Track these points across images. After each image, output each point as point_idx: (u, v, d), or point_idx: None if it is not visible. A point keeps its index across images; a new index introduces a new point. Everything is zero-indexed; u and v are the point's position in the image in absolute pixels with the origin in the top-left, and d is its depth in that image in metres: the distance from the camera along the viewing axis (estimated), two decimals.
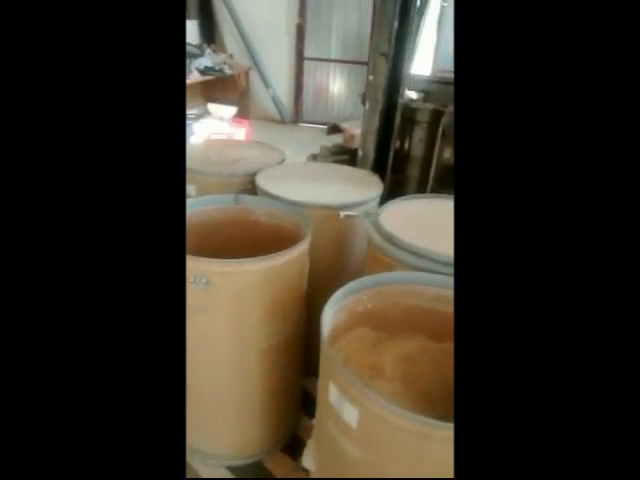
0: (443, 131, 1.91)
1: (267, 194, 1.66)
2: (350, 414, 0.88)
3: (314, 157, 2.71)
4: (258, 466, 1.53)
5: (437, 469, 0.83)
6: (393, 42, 1.97)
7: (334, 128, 2.56)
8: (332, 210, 1.59)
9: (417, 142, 2.00)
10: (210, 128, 4.59)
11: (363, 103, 2.15)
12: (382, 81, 2.00)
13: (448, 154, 2.02)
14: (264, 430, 1.51)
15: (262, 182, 1.74)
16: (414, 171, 2.05)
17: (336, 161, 2.59)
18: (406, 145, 2.07)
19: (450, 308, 1.23)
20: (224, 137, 4.32)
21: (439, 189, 2.02)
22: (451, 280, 1.21)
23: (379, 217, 1.47)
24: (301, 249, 1.37)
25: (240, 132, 4.70)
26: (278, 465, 1.53)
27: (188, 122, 4.73)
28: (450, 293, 1.22)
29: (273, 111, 6.41)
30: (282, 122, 6.40)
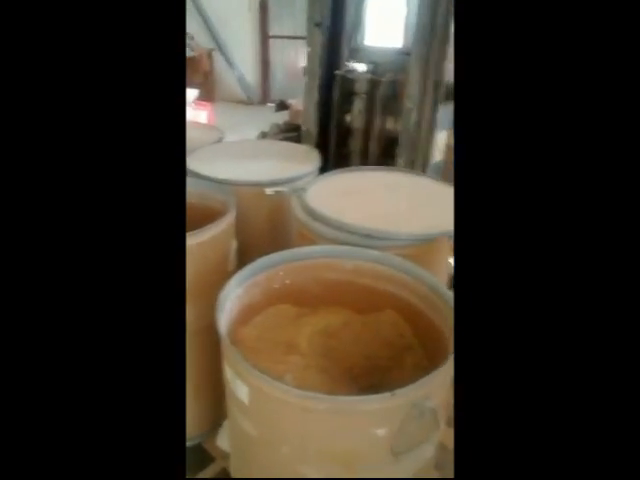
0: (381, 101, 1.86)
1: (194, 174, 1.61)
2: (242, 391, 0.85)
3: (264, 135, 2.66)
4: (197, 449, 1.51)
5: (324, 445, 0.81)
6: (327, 12, 1.91)
7: (282, 105, 2.50)
8: (261, 187, 1.54)
9: (357, 114, 1.95)
10: None
11: (304, 76, 2.09)
12: (318, 52, 1.94)
13: (390, 125, 1.98)
14: (200, 413, 1.48)
15: (192, 162, 1.69)
16: (356, 144, 2.00)
17: (285, 138, 2.54)
18: (347, 118, 2.02)
19: (370, 280, 1.21)
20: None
21: (382, 161, 1.99)
22: (370, 252, 1.18)
23: (306, 192, 1.43)
24: (220, 228, 1.33)
25: (202, 115, 4.60)
26: (217, 447, 1.51)
27: None
28: (369, 265, 1.19)
29: (239, 92, 6.30)
30: (249, 103, 6.29)
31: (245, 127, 4.59)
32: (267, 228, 1.65)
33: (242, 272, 1.07)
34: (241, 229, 1.56)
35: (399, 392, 0.75)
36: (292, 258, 1.17)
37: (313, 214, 1.30)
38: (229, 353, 0.86)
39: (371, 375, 1.11)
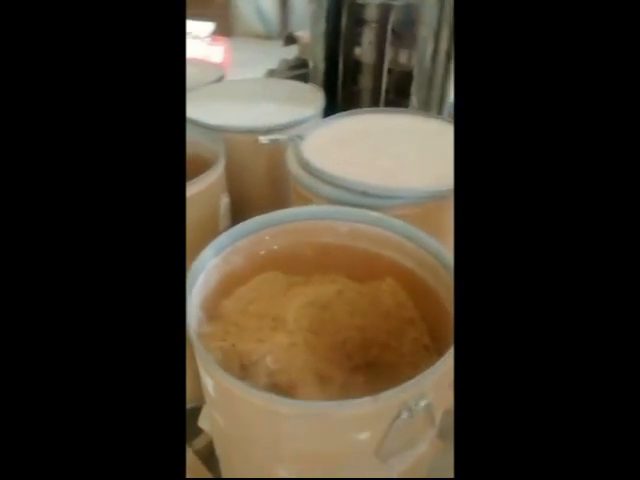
0: (393, 30, 1.62)
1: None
2: (208, 383, 0.75)
3: (271, 73, 2.44)
4: (196, 410, 1.46)
5: (298, 447, 0.71)
6: None
7: (290, 38, 2.24)
8: (254, 135, 1.37)
9: (367, 46, 1.71)
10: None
11: (309, 3, 1.84)
12: None
13: (404, 58, 1.74)
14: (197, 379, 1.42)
15: None
16: (366, 81, 1.78)
17: (295, 75, 2.32)
18: (357, 51, 1.78)
19: (368, 245, 1.06)
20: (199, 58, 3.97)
21: (395, 100, 1.77)
22: (367, 213, 1.03)
23: (302, 141, 1.26)
24: (206, 182, 1.19)
25: (217, 51, 4.32)
26: None
27: None
28: (367, 228, 1.04)
29: (258, 25, 5.91)
30: (268, 37, 5.91)
31: (263, 63, 4.30)
32: (265, 182, 1.49)
33: (218, 240, 0.94)
34: (236, 183, 1.42)
35: (383, 396, 0.63)
36: (278, 221, 1.03)
37: (307, 167, 1.14)
38: (194, 344, 0.74)
39: (367, 351, 0.99)
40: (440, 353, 0.98)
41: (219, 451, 0.95)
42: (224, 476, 1.02)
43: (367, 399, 0.63)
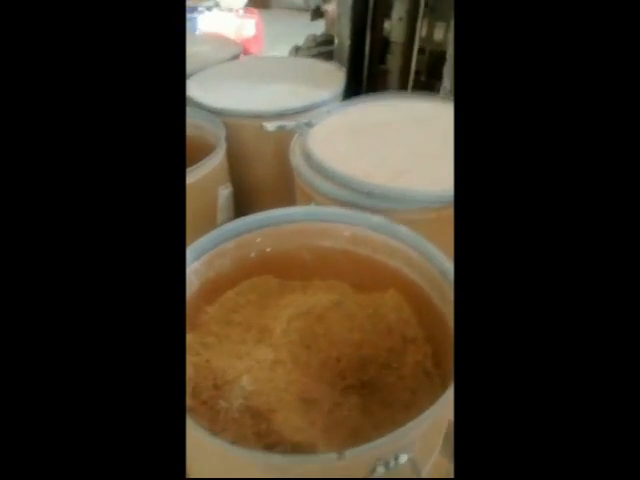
0: (427, 4, 1.45)
1: (190, 101, 1.36)
2: None
3: (297, 49, 2.31)
4: None
5: None
6: None
7: (317, 12, 2.10)
8: (259, 120, 1.26)
9: (397, 22, 1.54)
10: (216, 21, 4.12)
11: None
12: None
13: (440, 35, 1.57)
14: None
15: (192, 84, 1.43)
16: (395, 61, 1.62)
17: (322, 52, 2.18)
18: (386, 26, 1.62)
19: (369, 251, 0.94)
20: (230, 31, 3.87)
21: (427, 83, 1.61)
22: (371, 217, 0.90)
23: (310, 130, 1.14)
24: (204, 170, 1.10)
25: (249, 24, 4.19)
26: None
27: (193, 16, 4.27)
28: (368, 233, 0.92)
29: None
30: (308, 10, 5.70)
31: (298, 38, 4.13)
32: (272, 174, 1.38)
33: (198, 243, 0.85)
34: (241, 173, 1.32)
35: (350, 453, 0.53)
36: (270, 222, 0.92)
37: (309, 160, 1.03)
38: None
39: (363, 370, 0.88)
40: (443, 381, 0.87)
41: None
42: None
43: (330, 455, 0.53)
